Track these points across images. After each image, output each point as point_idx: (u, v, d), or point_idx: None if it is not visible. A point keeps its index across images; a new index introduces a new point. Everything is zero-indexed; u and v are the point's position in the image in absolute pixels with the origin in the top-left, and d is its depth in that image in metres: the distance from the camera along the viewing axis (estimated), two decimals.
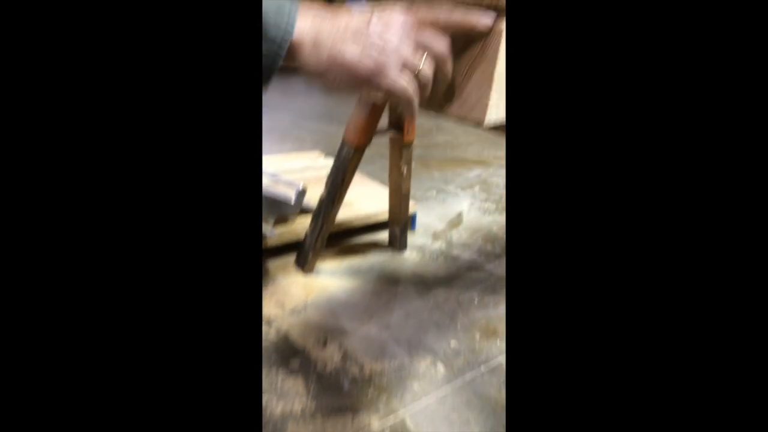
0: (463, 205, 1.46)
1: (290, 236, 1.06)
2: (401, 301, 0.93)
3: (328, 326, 0.84)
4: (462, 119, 0.33)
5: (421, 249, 1.16)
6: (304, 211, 1.12)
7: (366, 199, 1.25)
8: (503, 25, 0.29)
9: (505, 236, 1.25)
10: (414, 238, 1.21)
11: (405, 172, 1.00)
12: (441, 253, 1.14)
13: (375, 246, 1.16)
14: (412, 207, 1.19)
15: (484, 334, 0.83)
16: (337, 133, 0.84)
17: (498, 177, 1.76)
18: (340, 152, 0.92)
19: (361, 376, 0.72)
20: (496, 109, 0.32)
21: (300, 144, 2.10)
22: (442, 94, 0.33)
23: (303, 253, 1.03)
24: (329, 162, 1.60)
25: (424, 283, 1.00)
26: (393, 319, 0.86)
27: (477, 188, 1.62)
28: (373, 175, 1.59)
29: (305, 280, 1.01)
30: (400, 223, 1.11)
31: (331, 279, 1.01)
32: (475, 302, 0.93)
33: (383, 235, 1.20)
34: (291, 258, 1.06)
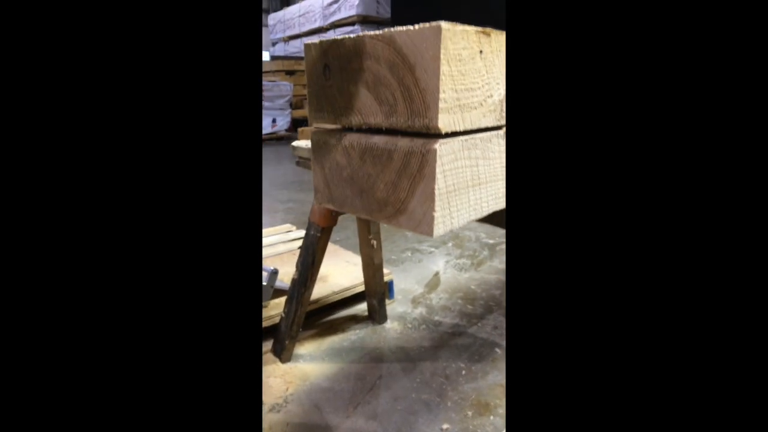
0: (439, 263, 1.46)
1: (265, 322, 1.01)
2: (387, 382, 0.88)
3: (311, 424, 0.78)
4: (413, 231, 0.33)
5: (402, 318, 1.12)
6: (278, 291, 1.08)
7: (341, 271, 1.23)
8: (437, 145, 0.30)
9: (483, 294, 1.24)
10: (393, 306, 1.18)
11: (375, 244, 1.00)
12: (423, 321, 1.11)
13: (354, 320, 1.12)
14: (388, 274, 1.17)
15: (477, 411, 0.79)
16: (307, 200, 0.83)
17: (469, 230, 1.78)
18: (308, 232, 0.91)
19: None
20: (443, 223, 0.32)
21: (272, 216, 2.08)
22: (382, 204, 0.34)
23: (279, 341, 0.98)
24: (301, 233, 1.58)
25: (408, 358, 0.96)
26: (380, 406, 0.81)
27: (450, 244, 1.63)
28: (345, 243, 1.58)
29: (284, 368, 0.95)
30: (377, 294, 1.08)
31: (312, 365, 0.96)
32: (463, 373, 0.89)
33: (362, 306, 1.17)
34: (267, 345, 1.00)
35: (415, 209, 0.32)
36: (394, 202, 0.33)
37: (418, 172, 0.31)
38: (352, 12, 5.17)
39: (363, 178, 0.35)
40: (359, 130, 0.36)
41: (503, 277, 1.35)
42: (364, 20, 5.21)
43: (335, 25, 5.55)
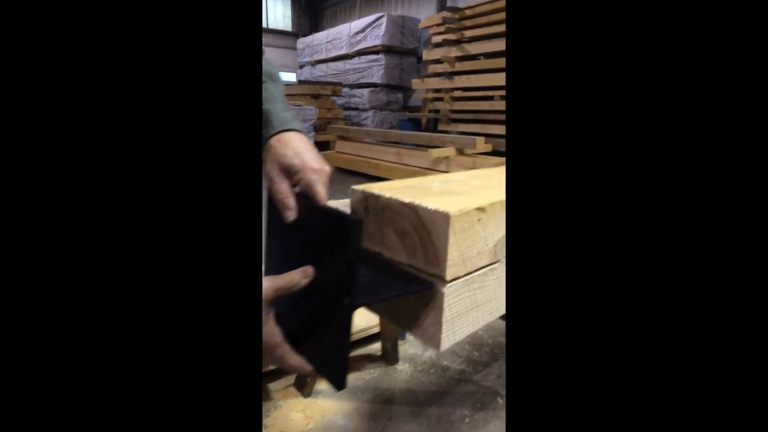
0: None
1: None
2: (397, 425, 0.98)
3: None
4: (423, 343, 0.44)
5: (412, 360, 1.22)
6: None
7: (358, 312, 1.34)
8: (444, 289, 0.41)
9: (490, 341, 1.33)
10: (405, 347, 1.28)
11: None
12: (431, 365, 1.20)
13: (369, 359, 1.23)
14: None
15: None
16: None
17: None
18: None
19: None
20: (448, 340, 0.43)
21: None
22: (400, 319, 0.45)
23: (301, 377, 1.09)
24: None
25: (417, 402, 1.05)
26: None
27: None
28: None
29: (305, 403, 1.06)
30: (391, 338, 1.19)
31: (330, 401, 1.06)
32: (467, 421, 0.99)
33: (376, 346, 1.27)
34: (291, 380, 1.12)
35: (428, 328, 0.43)
36: (412, 318, 0.45)
37: (430, 304, 0.42)
38: (377, 42, 5.38)
39: None
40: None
41: None
42: (389, 50, 5.42)
43: (360, 53, 5.77)
